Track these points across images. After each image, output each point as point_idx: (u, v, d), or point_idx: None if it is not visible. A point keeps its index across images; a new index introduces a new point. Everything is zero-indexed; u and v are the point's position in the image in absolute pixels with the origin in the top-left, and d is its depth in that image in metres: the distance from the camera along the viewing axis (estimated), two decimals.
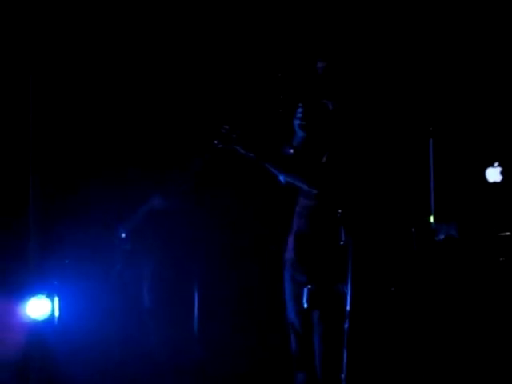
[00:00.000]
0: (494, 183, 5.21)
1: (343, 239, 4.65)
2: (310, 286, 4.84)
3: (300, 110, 4.82)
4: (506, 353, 5.19)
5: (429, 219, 5.11)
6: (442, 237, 5.18)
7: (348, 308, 4.60)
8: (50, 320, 5.77)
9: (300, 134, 4.87)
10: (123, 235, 5.82)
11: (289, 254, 4.89)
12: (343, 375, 4.59)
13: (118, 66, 6.17)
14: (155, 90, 6.17)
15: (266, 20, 5.98)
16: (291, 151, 4.89)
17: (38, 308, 5.70)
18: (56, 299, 5.79)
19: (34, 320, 5.70)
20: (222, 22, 6.08)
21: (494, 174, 5.19)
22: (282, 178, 4.87)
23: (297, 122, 4.86)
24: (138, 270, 5.95)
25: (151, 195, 5.74)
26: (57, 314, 5.81)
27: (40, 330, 5.74)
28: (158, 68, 6.19)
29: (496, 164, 5.19)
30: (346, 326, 4.59)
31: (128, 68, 6.17)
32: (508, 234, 5.22)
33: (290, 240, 4.88)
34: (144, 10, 6.13)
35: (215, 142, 4.80)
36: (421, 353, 5.28)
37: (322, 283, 4.82)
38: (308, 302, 4.85)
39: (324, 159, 4.73)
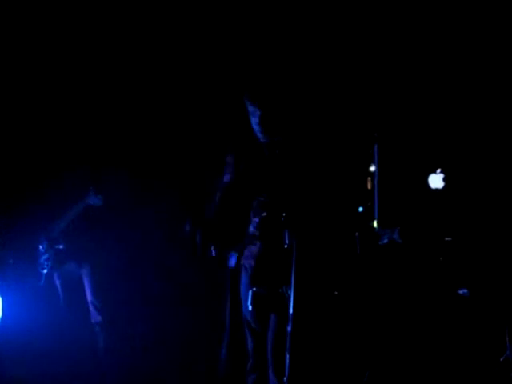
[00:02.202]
0: (437, 189, 5.30)
1: (287, 242, 4.70)
2: (254, 289, 4.88)
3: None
4: (444, 351, 5.29)
5: (372, 224, 5.18)
6: (385, 241, 5.25)
7: (291, 311, 4.64)
8: None
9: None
10: (55, 235, 5.79)
11: (246, 259, 4.92)
12: (285, 378, 4.63)
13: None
14: (82, 87, 6.13)
15: None
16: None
17: None
18: None
19: None
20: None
21: (436, 181, 5.27)
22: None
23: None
24: (75, 268, 5.91)
25: (85, 193, 5.69)
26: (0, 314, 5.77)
27: None
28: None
29: (438, 171, 5.28)
30: (289, 329, 4.63)
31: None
32: (449, 239, 5.31)
33: (248, 246, 4.92)
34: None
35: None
36: (363, 354, 5.35)
37: (266, 286, 4.86)
38: (252, 304, 4.89)
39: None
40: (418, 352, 5.35)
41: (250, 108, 4.86)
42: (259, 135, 4.89)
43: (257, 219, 4.89)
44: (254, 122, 4.86)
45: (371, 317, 5.38)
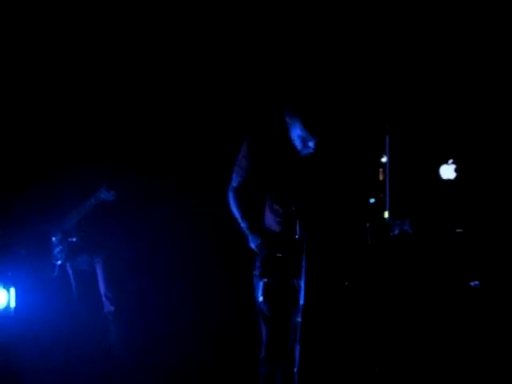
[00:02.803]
0: (448, 180, 5.28)
1: (298, 233, 4.70)
2: (265, 280, 4.89)
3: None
4: (454, 344, 5.28)
5: (383, 215, 5.16)
6: (396, 232, 5.24)
7: (302, 302, 4.64)
8: (6, 311, 5.75)
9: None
10: (68, 227, 5.85)
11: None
12: (296, 369, 4.64)
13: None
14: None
15: None
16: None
17: None
18: (12, 290, 5.79)
19: None
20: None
21: (448, 172, 5.26)
22: None
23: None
24: (87, 260, 5.95)
25: (98, 187, 5.74)
26: (13, 304, 5.80)
27: None
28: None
29: (450, 161, 5.27)
30: (300, 320, 4.63)
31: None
32: (460, 230, 5.30)
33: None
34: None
35: None
36: (375, 346, 5.34)
37: (277, 277, 4.86)
38: (263, 295, 4.90)
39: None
40: (428, 345, 5.34)
41: (289, 119, 4.85)
42: (300, 144, 4.87)
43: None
44: (296, 131, 4.84)
45: (381, 308, 5.37)
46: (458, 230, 5.26)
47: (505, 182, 5.36)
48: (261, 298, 4.90)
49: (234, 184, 4.98)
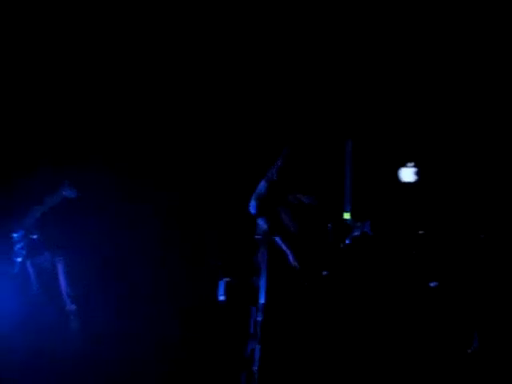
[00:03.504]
0: (408, 183, 5.36)
1: (258, 233, 4.74)
2: (226, 279, 4.92)
3: None
4: (413, 342, 5.34)
5: (344, 216, 5.22)
6: (357, 233, 5.30)
7: (262, 301, 4.68)
8: None
9: None
10: (29, 224, 5.82)
11: None
12: (256, 368, 4.67)
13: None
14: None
15: None
16: None
17: None
18: None
19: None
20: None
21: (407, 174, 5.33)
22: None
23: None
24: (48, 258, 5.93)
25: (61, 185, 5.72)
26: None
27: None
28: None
29: (410, 164, 5.34)
30: (260, 319, 4.66)
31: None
32: (422, 232, 5.36)
33: None
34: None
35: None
36: (334, 344, 5.39)
37: (237, 276, 4.90)
38: (224, 294, 4.93)
39: None
40: (387, 342, 5.39)
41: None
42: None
43: None
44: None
45: (343, 307, 5.42)
46: (419, 232, 5.33)
47: (463, 185, 5.44)
48: (221, 298, 4.93)
49: None
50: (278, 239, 4.81)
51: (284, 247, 4.83)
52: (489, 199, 5.39)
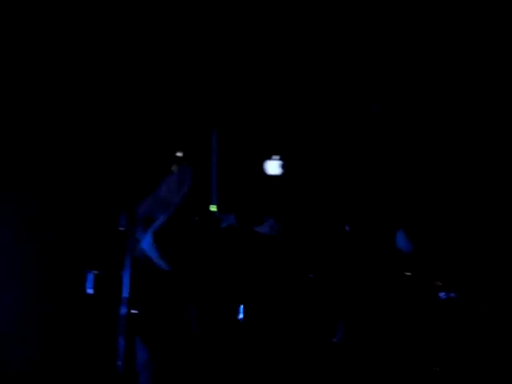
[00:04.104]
0: (274, 176, 5.42)
1: (123, 225, 4.72)
2: (94, 272, 4.89)
3: None
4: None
5: (211, 208, 5.24)
6: (224, 225, 5.33)
7: (125, 295, 4.66)
8: None
9: None
10: None
11: None
12: (120, 362, 4.65)
13: None
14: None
15: None
16: None
17: None
18: None
19: None
20: None
21: (273, 167, 5.40)
22: None
23: None
24: None
25: None
26: None
27: None
28: None
29: (275, 157, 5.41)
30: (123, 311, 4.65)
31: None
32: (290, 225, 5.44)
33: None
34: None
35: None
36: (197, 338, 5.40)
37: (106, 269, 4.88)
38: (93, 287, 4.90)
39: None
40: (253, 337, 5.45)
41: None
42: None
43: None
44: None
45: (208, 298, 5.44)
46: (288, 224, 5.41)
47: (330, 176, 5.55)
48: (90, 291, 4.90)
49: None
50: (144, 244, 4.80)
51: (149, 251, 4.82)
52: (352, 192, 5.52)
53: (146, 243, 4.84)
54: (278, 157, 5.40)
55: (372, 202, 5.50)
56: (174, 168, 5.09)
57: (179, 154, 5.09)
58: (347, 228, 5.44)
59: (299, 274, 5.49)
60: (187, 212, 5.07)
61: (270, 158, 5.43)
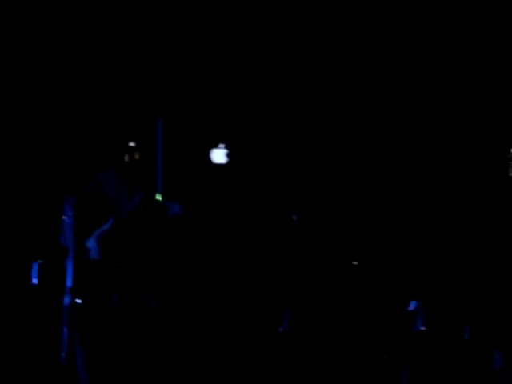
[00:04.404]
0: (220, 164, 5.41)
1: (66, 213, 4.65)
2: (39, 261, 4.81)
3: None
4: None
5: (156, 197, 5.20)
6: (170, 214, 5.29)
7: (69, 284, 4.58)
8: None
9: None
10: None
11: None
12: (63, 354, 4.57)
13: None
14: None
15: None
16: None
17: None
18: None
19: None
20: None
21: (219, 156, 5.39)
22: None
23: None
24: None
25: None
26: None
27: None
28: None
29: (221, 146, 5.40)
30: (67, 301, 4.56)
31: None
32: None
33: None
34: None
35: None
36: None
37: (50, 259, 4.80)
38: (37, 277, 4.83)
39: None
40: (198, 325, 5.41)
41: None
42: None
43: None
44: None
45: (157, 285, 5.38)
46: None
47: (276, 166, 5.56)
48: (35, 280, 4.82)
49: None
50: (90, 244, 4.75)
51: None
52: (299, 181, 5.54)
53: (91, 244, 4.81)
54: (223, 145, 5.39)
55: (319, 192, 5.52)
56: (126, 158, 5.03)
57: (131, 144, 5.04)
58: (294, 217, 5.45)
59: (246, 264, 5.48)
60: (135, 217, 5.01)
61: (216, 146, 5.42)
